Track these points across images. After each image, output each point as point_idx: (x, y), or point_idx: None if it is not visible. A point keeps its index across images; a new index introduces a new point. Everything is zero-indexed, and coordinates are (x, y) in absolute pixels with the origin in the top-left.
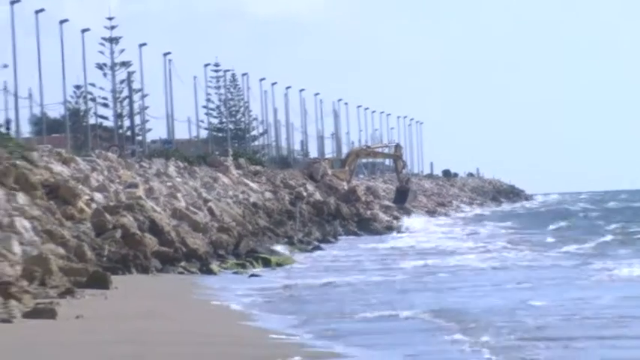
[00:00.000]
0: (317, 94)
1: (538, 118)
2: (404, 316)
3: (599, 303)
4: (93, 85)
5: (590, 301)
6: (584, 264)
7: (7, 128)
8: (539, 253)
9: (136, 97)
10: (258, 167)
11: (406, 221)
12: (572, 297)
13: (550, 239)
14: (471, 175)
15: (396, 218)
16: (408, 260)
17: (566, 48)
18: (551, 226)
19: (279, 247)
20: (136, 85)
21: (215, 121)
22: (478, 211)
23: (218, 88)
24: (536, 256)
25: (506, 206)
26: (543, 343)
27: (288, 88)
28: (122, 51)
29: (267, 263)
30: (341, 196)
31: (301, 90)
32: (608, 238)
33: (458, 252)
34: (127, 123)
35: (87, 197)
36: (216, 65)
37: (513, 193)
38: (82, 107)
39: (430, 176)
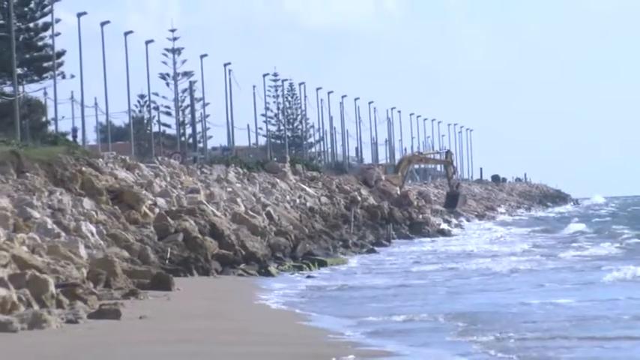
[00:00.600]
0: (371, 102)
1: (586, 124)
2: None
3: None
4: (156, 94)
5: None
6: None
7: (74, 136)
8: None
9: (198, 105)
10: (314, 173)
11: (456, 225)
12: None
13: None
14: (518, 180)
15: (448, 222)
16: (457, 262)
17: (610, 52)
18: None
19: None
20: (197, 94)
21: (273, 128)
22: (523, 215)
23: (276, 96)
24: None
25: (553, 209)
26: None
27: (343, 96)
28: (184, 61)
29: (323, 265)
30: (394, 201)
31: (356, 99)
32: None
33: (507, 255)
34: (188, 131)
35: (150, 202)
36: (275, 75)
37: (559, 198)
38: (146, 116)
39: (479, 181)
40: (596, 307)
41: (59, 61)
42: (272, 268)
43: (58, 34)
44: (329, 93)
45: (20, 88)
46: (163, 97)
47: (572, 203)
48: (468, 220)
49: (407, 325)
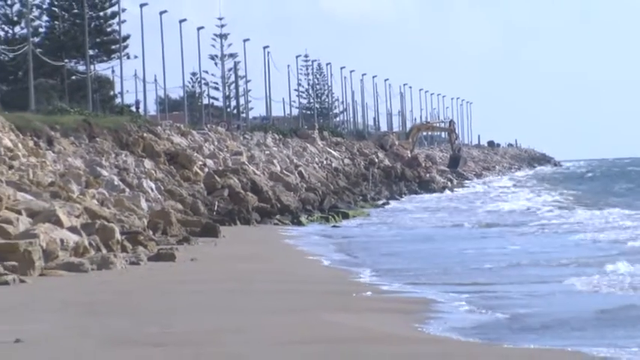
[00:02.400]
0: (387, 79)
1: (570, 92)
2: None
3: None
4: (206, 72)
5: None
6: None
7: (137, 107)
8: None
9: (241, 82)
10: (338, 139)
11: (458, 183)
12: None
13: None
14: (510, 145)
15: (450, 180)
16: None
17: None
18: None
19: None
20: (240, 73)
21: (304, 101)
22: (514, 174)
23: (307, 74)
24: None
25: (537, 170)
26: None
27: (363, 74)
28: (230, 45)
29: (345, 216)
30: (405, 162)
31: (374, 76)
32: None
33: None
34: (233, 103)
35: (200, 163)
36: (306, 56)
37: (545, 160)
38: (197, 90)
39: (477, 146)
40: None
41: (125, 44)
42: (303, 219)
43: (124, 21)
44: (351, 72)
45: (92, 67)
46: (212, 74)
47: (553, 165)
48: (469, 179)
49: (412, 265)
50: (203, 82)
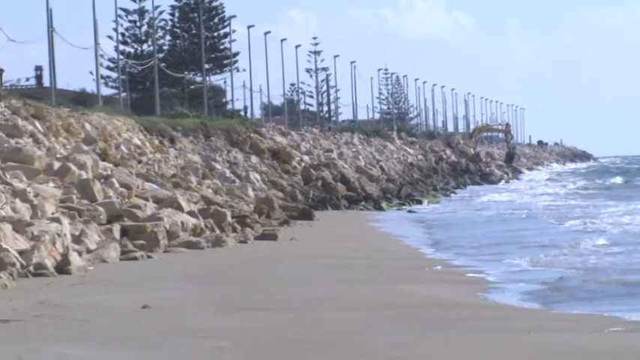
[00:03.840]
0: (453, 89)
1: (611, 95)
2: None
3: None
4: (303, 83)
5: None
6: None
7: (245, 112)
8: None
9: (332, 91)
10: (413, 138)
11: (513, 176)
12: None
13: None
14: (556, 143)
15: (506, 173)
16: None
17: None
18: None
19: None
20: (331, 83)
21: (384, 107)
22: (558, 169)
23: (387, 85)
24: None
25: (578, 165)
26: None
27: (434, 85)
28: (322, 60)
29: (419, 202)
30: (469, 158)
31: (442, 86)
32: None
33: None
34: (325, 108)
35: (298, 158)
36: (386, 70)
37: (585, 156)
38: (295, 98)
39: (529, 145)
40: None
41: (235, 59)
42: (383, 205)
43: (234, 40)
44: (424, 82)
45: (207, 78)
46: (307, 85)
47: (592, 160)
48: (521, 172)
49: (474, 243)
50: (300, 91)
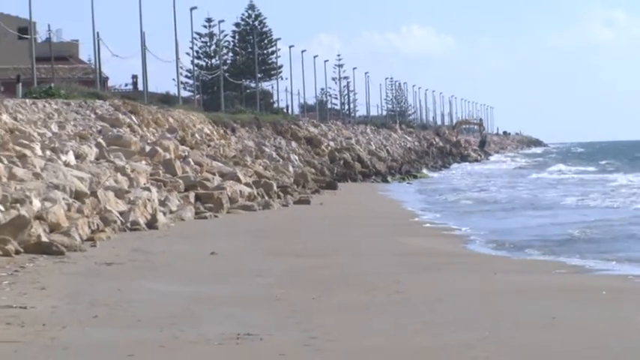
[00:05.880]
0: (441, 92)
1: (559, 95)
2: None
3: None
4: (329, 88)
5: None
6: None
7: (287, 110)
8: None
9: (351, 94)
10: (411, 129)
11: (485, 156)
12: None
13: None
14: (517, 133)
15: (480, 155)
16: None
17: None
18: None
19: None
20: (350, 88)
21: (390, 106)
22: (519, 151)
23: (392, 89)
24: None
25: (529, 150)
26: None
27: (426, 90)
28: (344, 71)
29: (415, 177)
30: (452, 144)
31: (433, 91)
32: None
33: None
34: (346, 107)
35: (326, 144)
36: (391, 78)
37: (538, 143)
38: (324, 99)
39: (497, 134)
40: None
41: (279, 70)
42: (389, 178)
43: (279, 56)
44: (419, 88)
45: (259, 84)
46: (333, 89)
47: (542, 146)
48: (490, 154)
49: (455, 207)
50: (327, 94)
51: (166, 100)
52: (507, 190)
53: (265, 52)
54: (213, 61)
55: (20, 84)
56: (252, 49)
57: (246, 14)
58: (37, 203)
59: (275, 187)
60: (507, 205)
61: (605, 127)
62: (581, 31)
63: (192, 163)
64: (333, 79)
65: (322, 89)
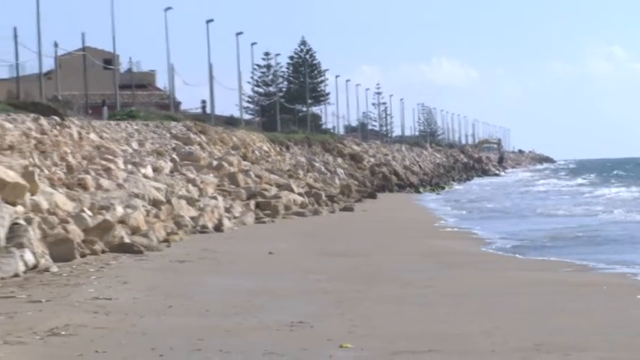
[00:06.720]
0: (465, 116)
1: (568, 118)
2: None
3: None
4: (370, 112)
5: None
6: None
7: (333, 130)
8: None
9: (388, 117)
10: (439, 148)
11: (503, 171)
12: None
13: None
14: (530, 151)
15: (498, 169)
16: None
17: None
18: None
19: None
20: (388, 112)
21: (421, 127)
22: (531, 167)
23: (423, 113)
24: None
25: (540, 166)
26: None
27: (452, 114)
28: (382, 97)
29: (442, 188)
30: (475, 160)
31: (458, 114)
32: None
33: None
34: (384, 128)
35: (367, 159)
36: (422, 104)
37: (548, 160)
38: (365, 121)
39: (513, 152)
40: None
41: (327, 97)
42: (420, 189)
43: (327, 85)
44: (446, 112)
45: (310, 109)
46: (373, 113)
47: (552, 163)
48: (507, 169)
49: (478, 214)
50: (368, 117)
51: (231, 122)
52: (519, 199)
53: (315, 81)
54: (271, 88)
55: (105, 107)
56: (304, 79)
57: (299, 49)
58: (120, 209)
59: (323, 197)
60: (519, 212)
61: (617, 145)
62: (582, 63)
63: (252, 175)
64: (373, 104)
65: (364, 113)
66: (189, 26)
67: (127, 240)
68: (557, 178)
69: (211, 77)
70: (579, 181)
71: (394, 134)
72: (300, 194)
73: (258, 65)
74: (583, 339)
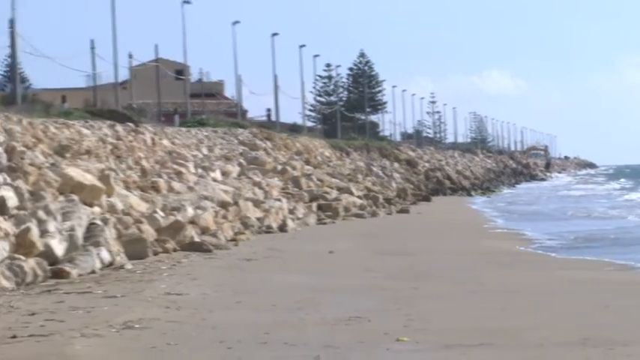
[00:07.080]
0: (514, 124)
1: (610, 124)
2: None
3: None
4: (424, 120)
5: None
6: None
7: (390, 137)
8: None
9: (442, 125)
10: (489, 154)
11: (549, 176)
12: None
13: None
14: (575, 157)
15: (545, 174)
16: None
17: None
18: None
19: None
20: (441, 120)
21: (473, 135)
22: (575, 172)
23: (475, 121)
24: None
25: (584, 171)
26: None
27: (502, 122)
28: (436, 106)
29: (493, 192)
30: (523, 166)
31: (507, 122)
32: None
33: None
34: (438, 135)
35: (422, 165)
36: (474, 113)
37: (591, 166)
38: (420, 129)
39: (559, 158)
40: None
41: (384, 106)
42: (472, 193)
43: (384, 94)
44: (496, 120)
45: (368, 117)
46: (427, 121)
47: (594, 168)
48: (553, 174)
49: (524, 216)
50: (423, 124)
51: (294, 129)
52: (562, 202)
53: (373, 91)
54: (332, 98)
55: (177, 115)
56: (362, 89)
57: (358, 60)
58: (190, 211)
59: (381, 199)
60: (563, 214)
61: None
62: (622, 74)
63: (314, 179)
64: (428, 112)
65: (418, 121)
66: (256, 39)
67: (196, 239)
68: (594, 183)
69: (276, 87)
70: (614, 185)
71: (447, 141)
72: (359, 197)
73: (320, 76)
74: (627, 334)
